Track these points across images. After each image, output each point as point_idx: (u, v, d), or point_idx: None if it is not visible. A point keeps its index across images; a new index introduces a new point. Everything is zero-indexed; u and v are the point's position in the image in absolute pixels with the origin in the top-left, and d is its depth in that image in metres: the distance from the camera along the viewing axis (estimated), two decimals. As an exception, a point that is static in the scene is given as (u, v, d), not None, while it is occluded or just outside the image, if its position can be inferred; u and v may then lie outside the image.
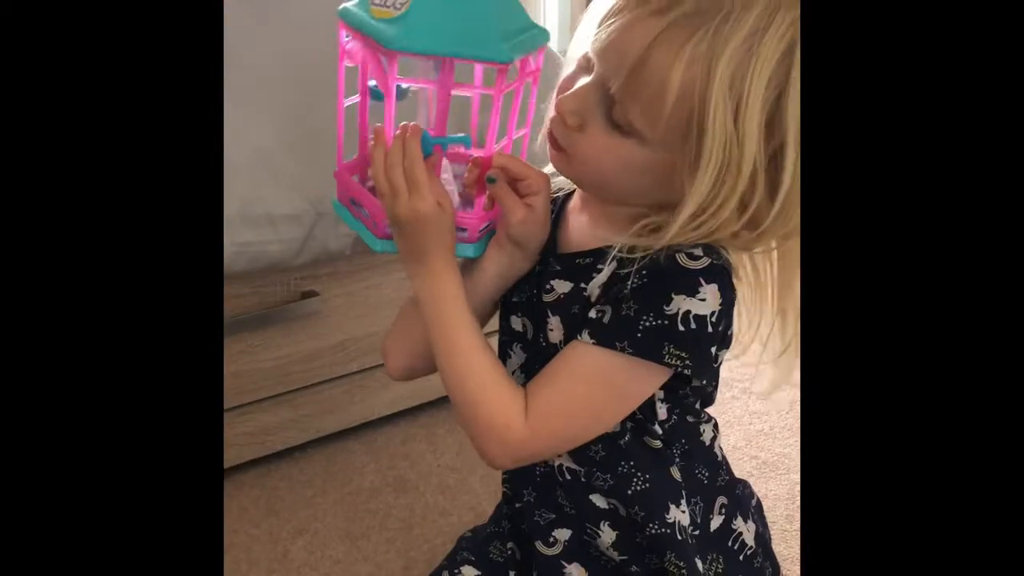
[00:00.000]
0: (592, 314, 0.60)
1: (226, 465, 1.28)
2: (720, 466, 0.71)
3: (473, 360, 0.62)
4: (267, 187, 1.08)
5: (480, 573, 0.74)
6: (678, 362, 0.57)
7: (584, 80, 0.60)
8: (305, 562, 1.15)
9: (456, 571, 0.74)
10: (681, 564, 0.66)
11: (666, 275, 0.58)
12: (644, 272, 0.58)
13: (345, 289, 1.26)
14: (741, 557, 0.70)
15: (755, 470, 1.31)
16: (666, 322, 0.57)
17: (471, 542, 0.78)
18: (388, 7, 0.58)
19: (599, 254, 0.63)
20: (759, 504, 0.76)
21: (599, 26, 0.58)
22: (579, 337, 0.60)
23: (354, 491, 1.28)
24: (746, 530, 0.71)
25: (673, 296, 0.57)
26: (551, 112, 0.64)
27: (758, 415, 1.42)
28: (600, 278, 0.62)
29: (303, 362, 1.27)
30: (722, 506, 0.70)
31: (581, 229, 0.68)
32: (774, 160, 0.56)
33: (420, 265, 0.63)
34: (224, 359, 1.20)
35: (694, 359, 0.58)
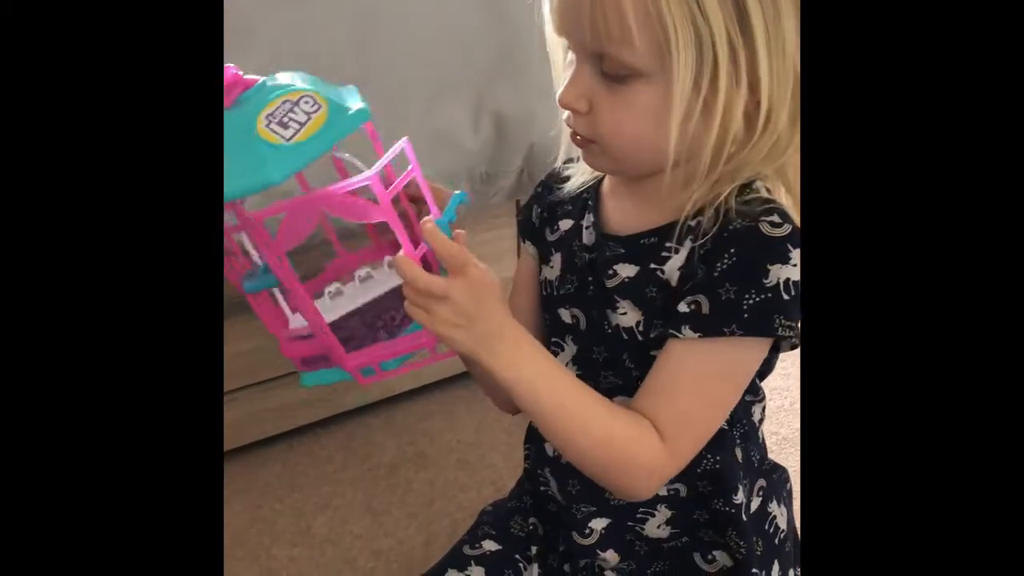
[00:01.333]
0: (683, 308, 0.59)
1: (250, 440, 1.30)
2: (763, 448, 0.71)
3: (589, 412, 0.59)
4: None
5: (501, 547, 0.74)
6: (789, 332, 0.57)
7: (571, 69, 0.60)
8: (327, 537, 1.16)
9: (477, 545, 0.74)
10: (741, 543, 0.66)
11: (755, 248, 0.57)
12: (732, 251, 0.57)
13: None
14: (776, 540, 0.70)
15: (775, 446, 1.30)
16: (770, 295, 0.56)
17: (492, 516, 0.78)
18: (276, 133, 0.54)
19: (663, 233, 0.62)
20: (791, 492, 0.75)
21: (551, 12, 0.59)
22: (678, 336, 0.59)
23: (375, 467, 1.29)
24: (779, 514, 0.71)
25: (769, 267, 0.56)
26: (562, 118, 0.63)
27: (778, 391, 1.42)
28: (677, 260, 0.61)
29: (323, 339, 1.28)
30: (760, 488, 0.70)
31: (632, 210, 0.66)
32: (748, 42, 0.55)
33: (499, 342, 0.57)
34: (245, 336, 1.21)
35: (799, 326, 0.58)
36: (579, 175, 0.70)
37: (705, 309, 0.58)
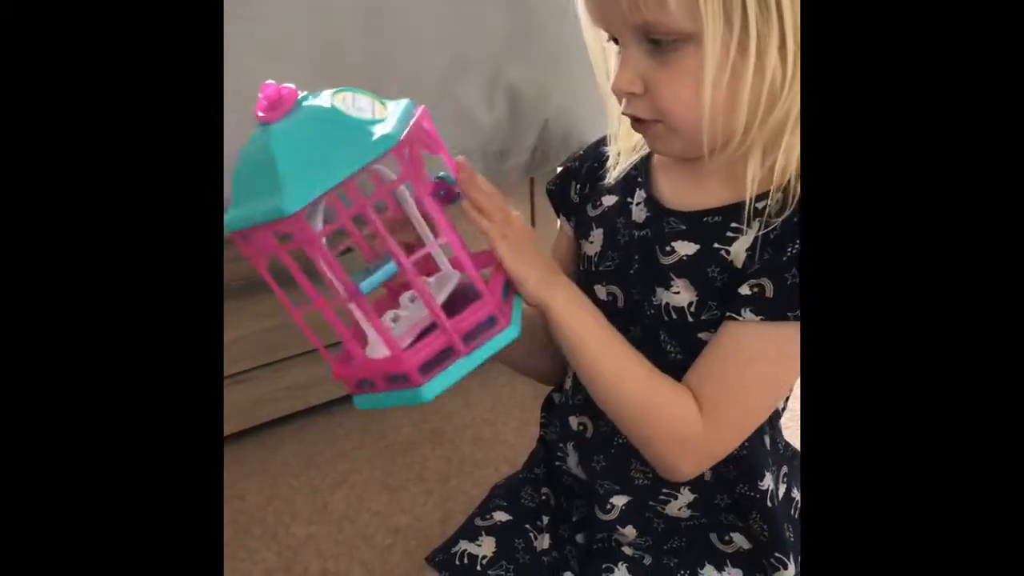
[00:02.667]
0: (745, 291, 0.58)
1: (267, 419, 1.31)
2: (782, 433, 0.71)
3: (631, 375, 0.60)
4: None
5: (512, 518, 0.74)
6: None
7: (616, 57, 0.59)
8: (344, 514, 1.17)
9: (487, 516, 0.74)
10: (765, 527, 0.65)
11: None
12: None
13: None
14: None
15: (790, 421, 1.30)
16: None
17: (503, 489, 0.79)
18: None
19: (729, 213, 0.61)
20: None
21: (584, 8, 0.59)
22: (738, 318, 0.58)
23: (391, 444, 1.30)
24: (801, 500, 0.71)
25: None
26: (616, 109, 0.62)
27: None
28: (744, 242, 0.60)
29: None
30: (784, 475, 0.70)
31: (691, 186, 0.65)
32: None
33: (556, 276, 0.61)
34: (259, 316, 1.22)
35: None
36: (623, 155, 0.69)
37: (769, 292, 0.57)
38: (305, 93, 0.55)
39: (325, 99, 0.53)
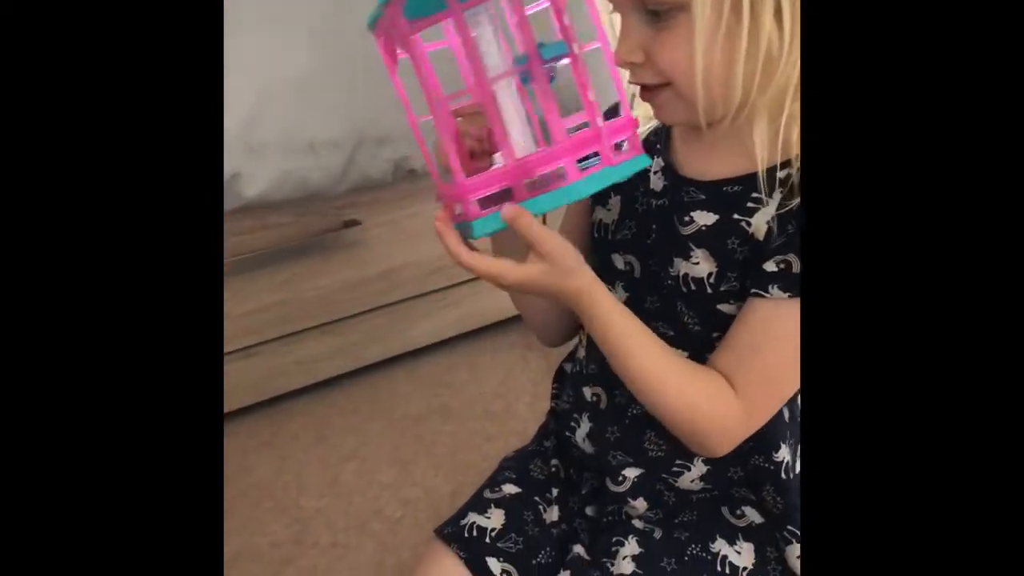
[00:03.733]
0: (771, 267, 0.57)
1: (276, 393, 1.31)
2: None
3: (662, 368, 0.59)
4: (307, 113, 1.07)
5: (520, 490, 0.74)
6: None
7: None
8: (355, 487, 1.17)
9: (497, 488, 0.74)
10: (779, 499, 0.65)
11: None
12: None
13: (387, 217, 1.25)
14: None
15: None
16: None
17: (513, 461, 0.78)
18: None
19: (749, 182, 0.60)
20: None
21: None
22: (766, 295, 0.57)
23: (400, 418, 1.30)
24: None
25: None
26: (623, 79, 0.61)
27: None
28: (766, 213, 0.59)
29: (346, 291, 1.28)
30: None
31: (711, 155, 0.64)
32: None
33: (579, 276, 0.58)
34: (270, 290, 1.22)
35: None
36: (642, 121, 0.68)
37: (796, 268, 0.57)
38: None
39: None
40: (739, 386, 0.59)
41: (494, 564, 0.68)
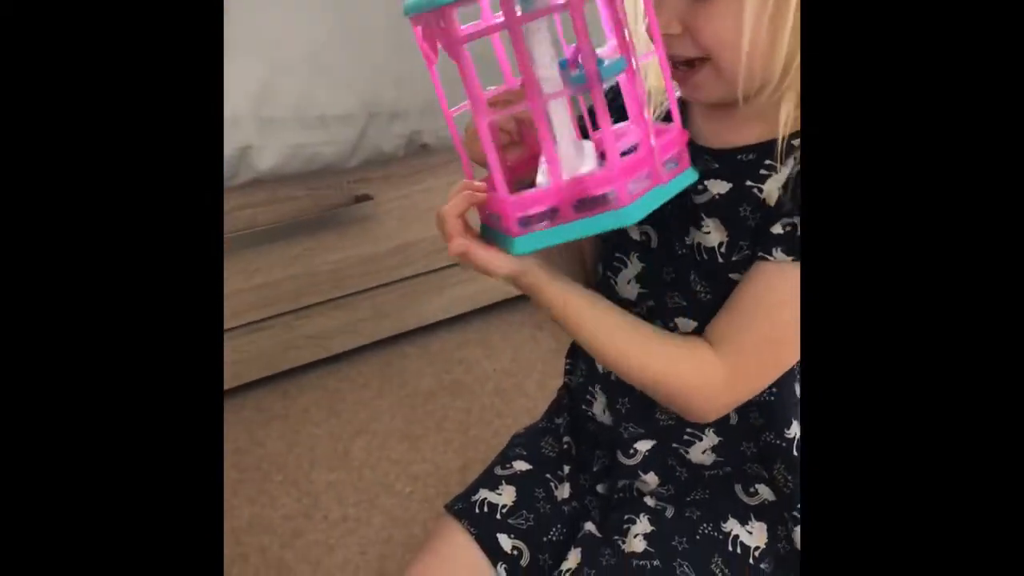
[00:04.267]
0: (778, 230, 0.57)
1: (288, 367, 1.31)
2: None
3: (634, 351, 0.60)
4: (319, 87, 1.06)
5: (531, 467, 0.74)
6: None
7: None
8: (365, 461, 1.18)
9: (508, 465, 0.74)
10: (789, 477, 0.64)
11: None
12: None
13: (399, 192, 1.24)
14: None
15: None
16: None
17: (523, 438, 0.78)
18: None
19: (763, 150, 0.59)
20: None
21: None
22: (770, 257, 0.57)
23: (411, 393, 1.30)
24: None
25: None
26: (654, 53, 0.60)
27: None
28: (778, 179, 0.58)
29: (358, 266, 1.27)
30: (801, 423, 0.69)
31: (727, 124, 0.63)
32: None
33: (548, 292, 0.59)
34: (281, 263, 1.21)
35: None
36: (654, 93, 0.67)
37: (799, 232, 0.56)
38: None
39: None
40: (727, 351, 0.59)
41: (504, 540, 0.68)
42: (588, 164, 0.51)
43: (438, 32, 0.51)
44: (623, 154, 0.50)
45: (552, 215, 0.50)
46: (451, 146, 1.18)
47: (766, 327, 0.58)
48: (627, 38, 0.50)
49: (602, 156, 0.51)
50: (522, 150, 0.58)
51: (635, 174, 0.49)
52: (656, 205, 0.50)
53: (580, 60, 0.48)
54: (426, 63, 0.52)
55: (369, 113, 1.08)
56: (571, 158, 0.51)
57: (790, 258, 0.56)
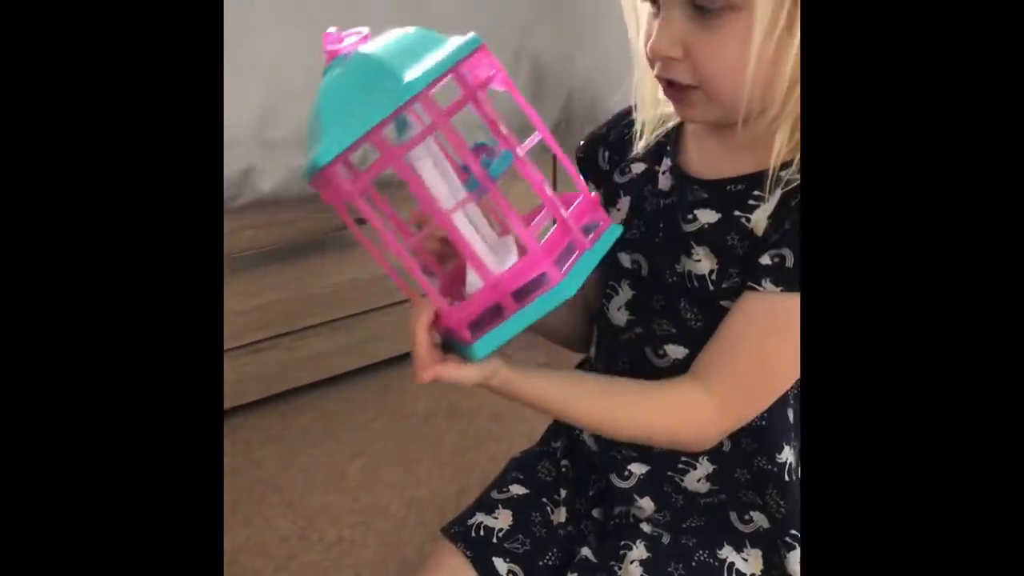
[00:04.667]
0: (766, 260, 0.57)
1: (285, 388, 1.31)
2: None
3: (615, 414, 0.62)
4: (321, 110, 1.07)
5: (528, 491, 0.74)
6: None
7: (656, 19, 0.58)
8: (361, 484, 1.17)
9: (504, 489, 0.74)
10: (782, 502, 0.64)
11: None
12: None
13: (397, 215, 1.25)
14: None
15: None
16: None
17: (520, 462, 0.78)
18: None
19: (753, 181, 0.60)
20: None
21: None
22: (758, 288, 0.58)
23: (408, 416, 1.30)
24: None
25: None
26: (649, 73, 0.61)
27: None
28: (766, 209, 0.59)
29: (356, 288, 1.28)
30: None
31: (719, 155, 0.64)
32: None
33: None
34: (281, 285, 1.22)
35: None
36: (647, 124, 0.68)
37: (789, 263, 0.56)
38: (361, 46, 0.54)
39: (379, 41, 0.53)
40: (716, 380, 0.60)
41: (500, 564, 0.68)
42: (510, 258, 0.54)
43: (331, 193, 0.52)
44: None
45: (498, 311, 0.52)
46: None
47: (755, 356, 0.59)
48: (504, 132, 0.52)
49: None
50: (456, 259, 0.60)
51: (557, 251, 0.52)
52: (589, 270, 0.53)
53: (469, 166, 0.51)
54: (347, 224, 0.55)
55: (370, 137, 1.09)
56: (491, 259, 0.53)
57: (778, 288, 0.57)
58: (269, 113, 1.06)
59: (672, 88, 0.60)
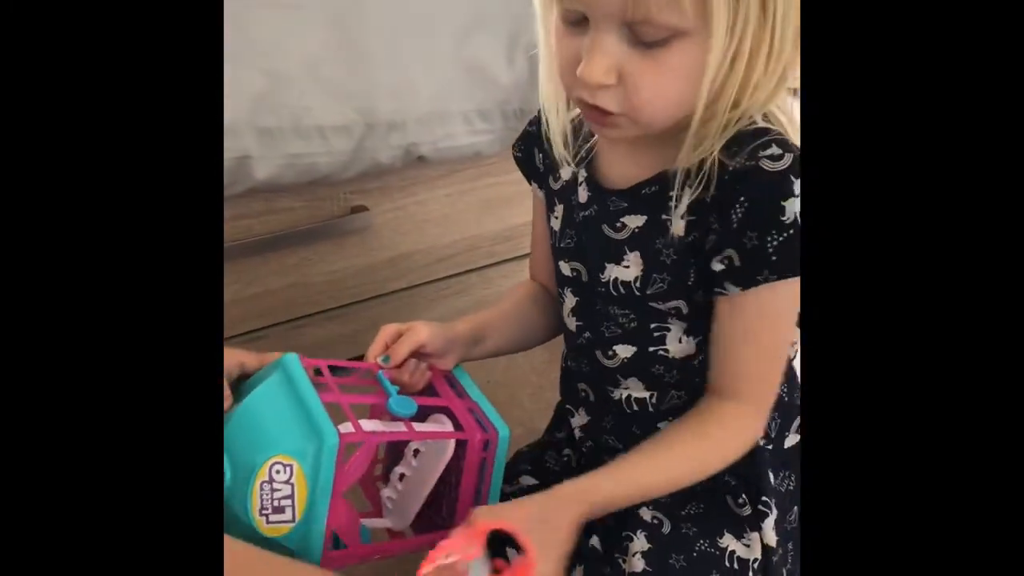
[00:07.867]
0: (718, 266, 0.59)
1: (281, 378, 1.30)
2: (799, 386, 0.70)
3: (675, 474, 0.64)
4: (316, 97, 1.06)
5: (537, 481, 0.75)
6: None
7: (585, 39, 0.55)
8: (359, 473, 1.17)
9: (515, 482, 0.76)
10: (746, 471, 0.67)
11: (764, 188, 0.56)
12: (742, 198, 0.56)
13: (394, 204, 1.25)
14: None
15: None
16: (791, 231, 0.56)
17: (528, 455, 0.80)
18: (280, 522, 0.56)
19: (662, 180, 0.61)
20: None
21: None
22: (725, 293, 0.60)
23: (406, 405, 1.30)
24: None
25: (784, 204, 0.55)
26: (553, 80, 0.61)
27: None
28: (680, 209, 0.60)
29: (353, 278, 1.27)
30: (799, 426, 0.69)
31: (631, 161, 0.64)
32: None
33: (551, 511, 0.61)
34: (277, 273, 1.21)
35: None
36: (557, 136, 0.68)
37: (737, 262, 0.58)
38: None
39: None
40: (746, 392, 0.63)
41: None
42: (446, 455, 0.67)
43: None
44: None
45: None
46: (448, 158, 1.19)
47: (763, 352, 0.62)
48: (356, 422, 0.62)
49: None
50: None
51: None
52: (499, 484, 0.67)
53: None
54: None
55: (366, 124, 1.08)
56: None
57: (739, 288, 0.59)
58: (264, 101, 1.05)
59: (595, 111, 0.58)
